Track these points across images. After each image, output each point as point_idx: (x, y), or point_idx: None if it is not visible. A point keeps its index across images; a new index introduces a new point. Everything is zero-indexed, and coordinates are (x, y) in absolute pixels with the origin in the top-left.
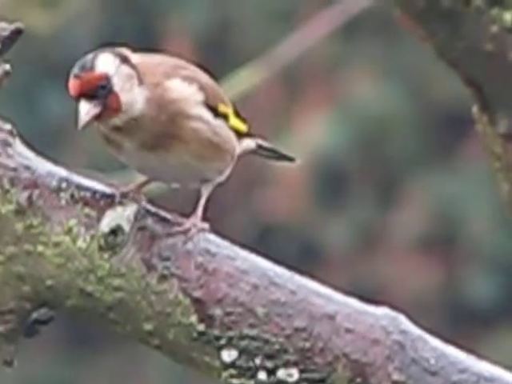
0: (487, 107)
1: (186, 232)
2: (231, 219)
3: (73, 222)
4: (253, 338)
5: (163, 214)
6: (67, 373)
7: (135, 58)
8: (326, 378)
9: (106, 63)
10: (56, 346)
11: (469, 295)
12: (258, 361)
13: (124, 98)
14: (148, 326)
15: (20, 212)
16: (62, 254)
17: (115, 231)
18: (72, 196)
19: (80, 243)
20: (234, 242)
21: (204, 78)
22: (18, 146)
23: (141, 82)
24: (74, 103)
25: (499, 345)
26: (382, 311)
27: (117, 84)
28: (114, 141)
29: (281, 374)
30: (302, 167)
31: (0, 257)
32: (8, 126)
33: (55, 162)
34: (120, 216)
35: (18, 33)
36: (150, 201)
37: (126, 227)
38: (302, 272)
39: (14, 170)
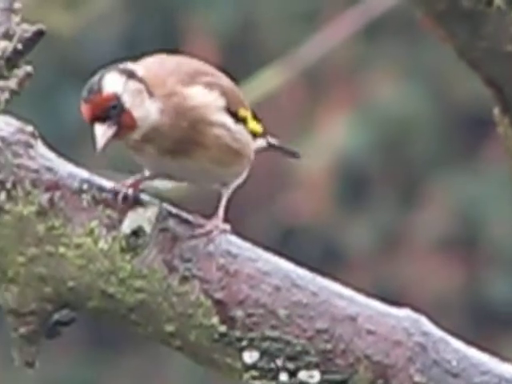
0: (508, 109)
1: (207, 234)
2: (254, 221)
3: (94, 223)
4: (274, 340)
5: (185, 215)
6: (89, 374)
7: (141, 70)
8: (348, 379)
9: (112, 82)
10: (78, 348)
11: (490, 297)
12: (279, 362)
13: (137, 113)
14: (169, 328)
15: (42, 213)
16: (83, 256)
17: (137, 232)
18: (93, 197)
19: (101, 244)
20: (256, 243)
21: (225, 82)
22: (40, 148)
23: (151, 94)
24: None
25: None
26: (404, 313)
27: (127, 101)
28: (135, 147)
29: (302, 375)
30: (325, 169)
31: (22, 258)
32: (30, 128)
33: (77, 163)
34: (141, 217)
35: (39, 34)
36: (172, 202)
37: (148, 228)
38: (324, 274)
39: (36, 171)
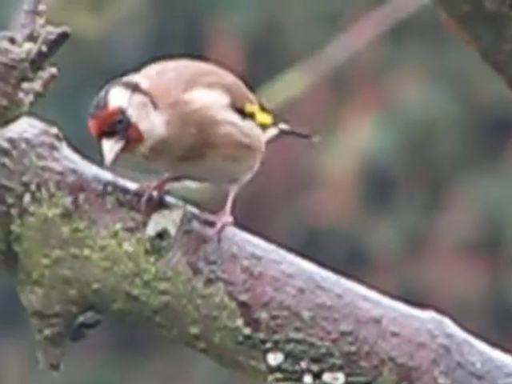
0: None
1: (219, 232)
2: (279, 223)
3: (119, 225)
4: (298, 342)
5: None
6: (114, 376)
7: (145, 82)
8: (372, 381)
9: (117, 97)
10: (103, 350)
11: None
12: (303, 364)
13: (143, 126)
14: (194, 330)
15: (66, 215)
16: (108, 258)
17: (161, 235)
18: (118, 199)
19: (126, 247)
20: (280, 245)
21: (228, 80)
22: (65, 150)
23: (155, 106)
24: None
25: None
26: (428, 315)
27: (133, 115)
28: (146, 157)
29: (326, 377)
30: (350, 170)
31: (46, 260)
32: (54, 130)
33: (101, 165)
34: (166, 219)
35: (64, 36)
36: (196, 204)
37: (172, 231)
38: (348, 275)
39: (60, 173)
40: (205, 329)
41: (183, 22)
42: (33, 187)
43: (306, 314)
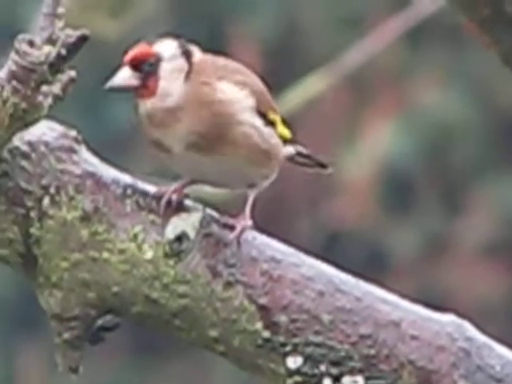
0: None
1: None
2: (299, 226)
3: (138, 228)
4: (318, 345)
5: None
6: (133, 380)
7: (199, 56)
8: None
9: (165, 47)
10: (122, 353)
11: None
12: (323, 368)
13: (163, 84)
14: (213, 333)
15: (85, 219)
16: (127, 261)
17: (180, 238)
18: (137, 203)
19: (145, 250)
20: (300, 249)
21: (257, 84)
22: (84, 153)
23: (188, 78)
24: None
25: None
26: (448, 318)
27: (164, 69)
28: (162, 145)
29: (346, 380)
30: (370, 174)
31: (65, 263)
32: (73, 133)
33: (120, 168)
34: (185, 223)
35: (83, 39)
36: (215, 207)
37: (192, 234)
38: (368, 279)
39: (80, 176)
40: (224, 332)
41: (202, 26)
42: (52, 190)
43: (325, 317)
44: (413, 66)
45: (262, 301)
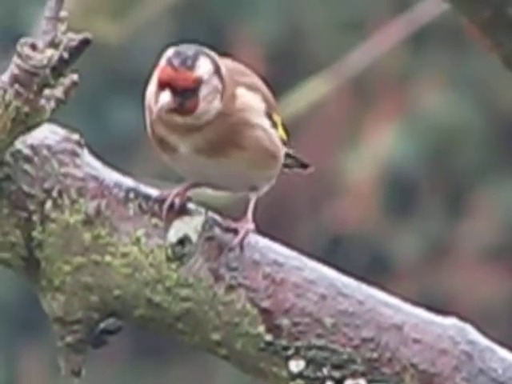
0: None
1: (242, 241)
2: (301, 230)
3: (140, 232)
4: (320, 348)
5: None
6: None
7: (223, 68)
8: None
9: (204, 68)
10: (125, 356)
11: None
12: (325, 371)
13: (202, 107)
14: (216, 336)
15: (88, 222)
16: (129, 265)
17: (183, 241)
18: (140, 206)
19: (147, 253)
20: (303, 252)
21: (262, 85)
22: (86, 157)
23: (222, 98)
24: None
25: None
26: (450, 321)
27: (203, 92)
28: (168, 144)
29: None
30: (372, 177)
31: (68, 267)
32: (76, 136)
33: (123, 172)
34: (187, 226)
35: (85, 43)
36: (218, 211)
37: (194, 237)
38: (370, 282)
39: (82, 180)
40: (226, 335)
41: (204, 29)
42: (54, 194)
43: (327, 321)
44: (415, 69)
45: (265, 304)
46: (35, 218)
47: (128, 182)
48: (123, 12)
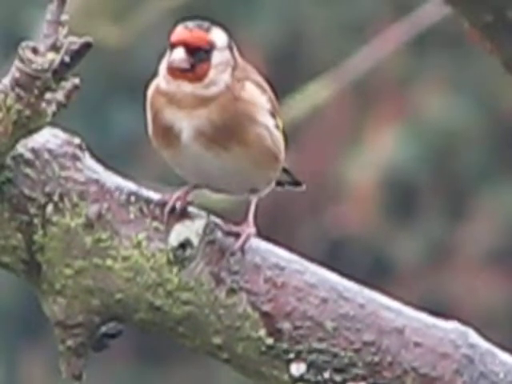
0: None
1: (243, 244)
2: (302, 233)
3: (141, 235)
4: (321, 352)
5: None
6: None
7: (237, 53)
8: None
9: (219, 36)
10: (126, 360)
11: None
12: (326, 375)
13: (212, 74)
14: (217, 340)
15: (89, 226)
16: (130, 268)
17: (184, 245)
18: (141, 210)
19: (149, 257)
20: (304, 255)
21: (269, 89)
22: (87, 160)
23: (233, 74)
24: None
25: None
26: (451, 325)
27: (215, 59)
28: (171, 131)
29: None
30: (373, 181)
31: (69, 270)
32: (77, 140)
33: (124, 175)
34: (189, 230)
35: (87, 47)
36: (219, 214)
37: (195, 241)
38: (372, 286)
39: (83, 183)
40: (227, 339)
41: None
42: (55, 197)
43: (328, 324)
44: (416, 73)
45: (266, 308)
46: (36, 221)
47: (129, 185)
48: (124, 15)
